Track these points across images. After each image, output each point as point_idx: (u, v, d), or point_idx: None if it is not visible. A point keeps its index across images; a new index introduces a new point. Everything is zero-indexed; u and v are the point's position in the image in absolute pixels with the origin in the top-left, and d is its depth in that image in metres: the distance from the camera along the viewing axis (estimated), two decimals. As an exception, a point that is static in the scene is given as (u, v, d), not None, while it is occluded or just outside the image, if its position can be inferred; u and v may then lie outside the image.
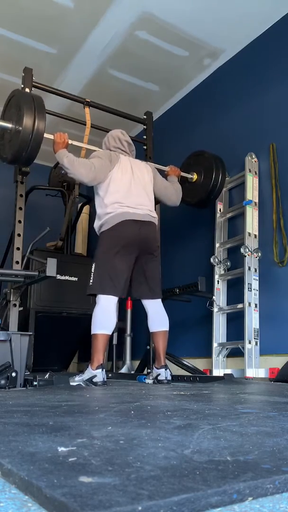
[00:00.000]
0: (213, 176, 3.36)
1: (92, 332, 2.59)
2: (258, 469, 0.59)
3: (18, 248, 2.81)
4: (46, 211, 4.90)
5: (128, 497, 0.47)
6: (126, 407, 1.36)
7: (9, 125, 2.63)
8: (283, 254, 3.09)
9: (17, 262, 2.78)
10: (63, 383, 2.47)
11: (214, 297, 3.41)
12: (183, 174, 3.40)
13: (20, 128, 2.51)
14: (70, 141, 2.81)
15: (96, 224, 2.81)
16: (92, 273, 2.67)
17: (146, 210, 2.79)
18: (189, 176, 3.47)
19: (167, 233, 4.13)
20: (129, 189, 2.77)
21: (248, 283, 3.13)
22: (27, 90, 3.07)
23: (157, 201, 3.07)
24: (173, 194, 3.06)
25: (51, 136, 2.74)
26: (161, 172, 3.19)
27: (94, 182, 2.74)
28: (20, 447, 0.73)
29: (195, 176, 3.48)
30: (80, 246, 5.65)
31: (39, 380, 2.35)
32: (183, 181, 3.42)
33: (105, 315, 2.60)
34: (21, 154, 2.58)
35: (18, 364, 2.37)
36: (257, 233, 3.28)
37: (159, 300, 2.85)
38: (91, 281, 2.66)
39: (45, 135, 2.62)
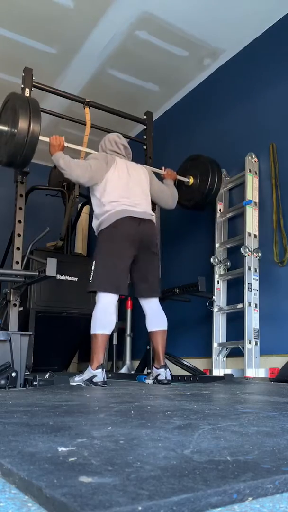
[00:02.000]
0: (209, 180, 3.39)
1: (92, 332, 2.59)
2: (258, 469, 0.59)
3: (18, 248, 2.81)
4: (46, 211, 4.90)
5: (128, 497, 0.47)
6: (126, 407, 1.36)
7: (5, 128, 2.63)
8: (283, 254, 3.09)
9: (17, 262, 2.78)
10: (63, 383, 2.47)
11: (214, 297, 3.41)
12: (179, 177, 3.41)
13: (15, 131, 2.52)
14: (66, 144, 2.82)
15: (95, 223, 2.83)
16: (92, 271, 2.69)
17: (145, 208, 2.82)
18: (185, 179, 3.48)
19: (167, 233, 4.13)
20: (126, 189, 2.79)
21: (248, 283, 3.13)
22: (27, 90, 3.07)
23: (153, 204, 3.08)
24: (169, 197, 3.09)
25: (46, 139, 2.74)
26: (158, 175, 3.20)
27: (91, 182, 2.76)
28: (20, 447, 0.73)
29: (191, 180, 3.50)
30: (80, 246, 5.65)
31: (39, 380, 2.35)
32: (179, 184, 3.43)
33: (105, 314, 2.60)
34: (16, 157, 2.59)
35: (18, 364, 2.37)
36: (257, 233, 3.28)
37: (157, 300, 2.86)
38: (91, 278, 2.68)
39: (41, 137, 2.62)
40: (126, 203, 2.73)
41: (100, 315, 2.60)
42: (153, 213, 2.89)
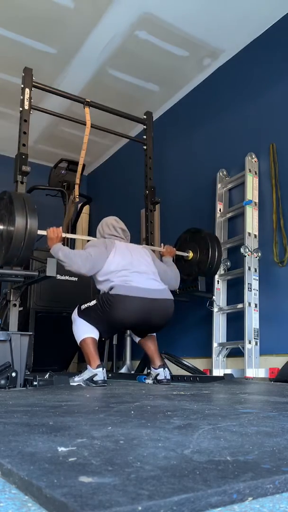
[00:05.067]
0: (209, 257, 3.31)
1: (79, 340, 2.63)
2: (258, 469, 0.59)
3: (18, 248, 2.80)
4: (46, 211, 4.89)
5: (128, 497, 0.47)
6: (126, 407, 1.36)
7: (0, 227, 2.55)
8: (283, 254, 3.09)
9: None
10: (63, 383, 2.47)
11: (214, 297, 3.40)
12: (178, 252, 3.37)
13: (12, 229, 2.43)
14: (63, 234, 2.77)
15: (102, 287, 2.68)
16: (89, 306, 2.64)
17: (155, 285, 2.68)
18: (184, 254, 3.44)
19: (167, 233, 4.13)
20: (131, 267, 2.67)
21: (248, 283, 3.13)
22: (27, 90, 3.07)
23: None
24: (172, 279, 2.97)
25: (44, 233, 2.69)
26: (156, 249, 3.20)
27: (93, 271, 2.65)
28: (20, 447, 0.73)
29: (190, 254, 3.44)
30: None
31: (39, 380, 2.36)
32: (178, 258, 3.41)
33: (84, 324, 2.65)
34: (13, 259, 2.51)
35: (18, 364, 2.37)
36: (257, 233, 3.28)
37: None
38: (84, 306, 2.67)
39: (38, 232, 2.56)
40: (134, 280, 2.59)
41: (80, 326, 2.65)
42: (165, 286, 2.74)
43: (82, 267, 2.60)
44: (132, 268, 2.65)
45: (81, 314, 2.67)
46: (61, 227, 2.79)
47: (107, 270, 2.64)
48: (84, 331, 2.63)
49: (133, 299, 2.51)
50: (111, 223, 2.94)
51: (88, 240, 2.97)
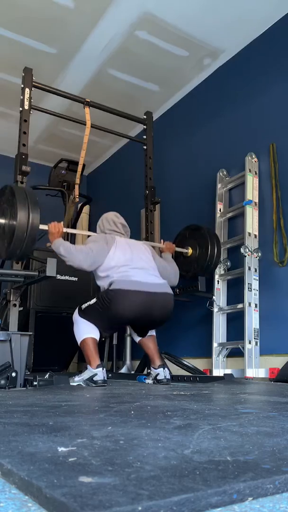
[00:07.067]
0: (209, 254, 3.32)
1: (79, 341, 2.63)
2: (258, 469, 0.59)
3: (18, 248, 2.80)
4: (46, 211, 4.88)
5: (128, 497, 0.47)
6: (126, 407, 1.36)
7: (2, 221, 2.54)
8: (283, 254, 3.09)
9: (17, 262, 2.78)
10: (63, 383, 2.47)
11: (214, 297, 3.40)
12: (178, 249, 3.37)
13: (15, 223, 2.41)
14: (64, 229, 2.77)
15: (103, 283, 2.69)
16: (89, 304, 2.64)
17: (155, 280, 2.69)
18: (184, 251, 3.45)
19: (167, 233, 4.13)
20: (132, 263, 2.68)
21: (248, 283, 3.13)
22: (27, 90, 3.07)
23: None
24: (172, 275, 2.97)
25: (45, 227, 2.68)
26: (156, 245, 3.20)
27: (94, 266, 2.67)
28: (20, 447, 0.73)
29: (190, 251, 3.45)
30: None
31: (39, 380, 2.35)
32: (177, 255, 3.41)
33: (85, 324, 2.65)
34: (16, 252, 2.49)
35: (18, 364, 2.37)
36: (257, 233, 3.28)
37: None
38: (85, 306, 2.67)
39: (40, 226, 2.56)
40: (134, 275, 2.61)
41: (81, 326, 2.66)
42: (165, 281, 2.75)
43: (83, 262, 2.62)
44: (132, 264, 2.67)
45: (82, 314, 2.68)
46: (62, 222, 2.79)
47: (108, 266, 2.65)
48: (85, 331, 2.63)
49: (133, 292, 2.53)
50: (111, 218, 2.95)
51: (89, 236, 2.97)
